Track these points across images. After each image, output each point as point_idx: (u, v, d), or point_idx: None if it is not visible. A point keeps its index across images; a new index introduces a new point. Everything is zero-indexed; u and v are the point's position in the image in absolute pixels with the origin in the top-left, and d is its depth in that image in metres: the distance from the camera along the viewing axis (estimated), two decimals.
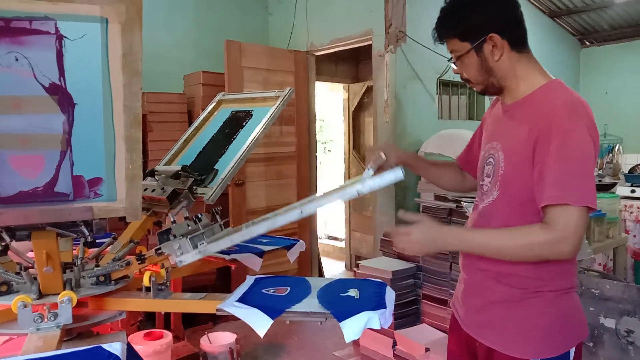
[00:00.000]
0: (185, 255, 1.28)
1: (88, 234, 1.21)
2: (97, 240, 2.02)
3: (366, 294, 1.36)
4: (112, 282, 1.46)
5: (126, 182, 1.14)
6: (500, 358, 1.24)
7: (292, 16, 4.47)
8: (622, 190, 4.11)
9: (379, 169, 1.39)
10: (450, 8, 1.27)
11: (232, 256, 2.01)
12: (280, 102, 2.20)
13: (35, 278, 1.33)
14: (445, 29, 1.28)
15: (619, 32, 5.82)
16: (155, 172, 2.05)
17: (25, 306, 1.17)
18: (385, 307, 1.25)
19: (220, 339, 2.93)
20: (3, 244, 1.21)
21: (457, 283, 1.46)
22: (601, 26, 5.83)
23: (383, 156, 1.40)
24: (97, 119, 1.10)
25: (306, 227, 4.48)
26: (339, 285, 1.45)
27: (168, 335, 2.76)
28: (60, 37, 1.05)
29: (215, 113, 2.51)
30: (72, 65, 1.07)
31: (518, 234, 1.16)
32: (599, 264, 3.52)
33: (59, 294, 1.27)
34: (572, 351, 1.23)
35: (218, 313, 1.27)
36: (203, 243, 1.34)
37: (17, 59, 1.03)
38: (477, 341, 1.31)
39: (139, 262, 1.41)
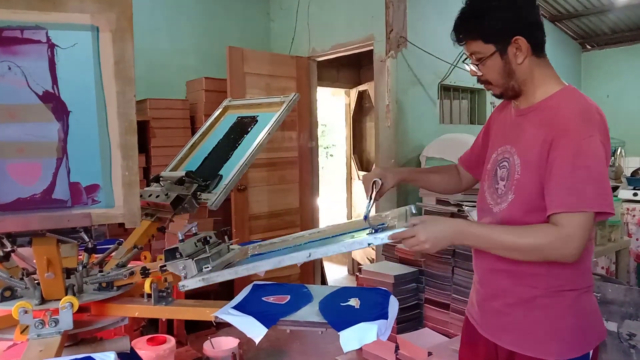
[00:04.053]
0: (189, 280, 1.27)
1: (88, 240, 1.22)
2: (103, 246, 2.04)
3: (367, 304, 1.32)
4: (115, 287, 1.47)
5: (123, 189, 1.15)
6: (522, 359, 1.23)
7: (294, 22, 4.49)
8: (624, 193, 4.10)
9: (378, 195, 1.42)
10: (474, 9, 1.24)
11: None
12: (285, 108, 2.21)
13: (38, 283, 1.34)
14: (468, 30, 1.25)
15: (620, 35, 5.83)
16: (161, 178, 2.06)
17: (25, 312, 1.17)
18: (386, 318, 1.20)
19: (223, 344, 2.94)
20: (5, 250, 1.22)
21: (472, 288, 1.45)
22: (602, 30, 5.84)
23: (380, 182, 1.41)
24: (92, 126, 1.12)
25: None
26: (341, 294, 1.42)
27: (171, 340, 2.77)
28: (52, 46, 1.07)
29: (222, 119, 2.53)
30: (64, 74, 1.09)
31: (527, 233, 1.16)
32: (602, 267, 3.52)
33: (60, 299, 1.28)
34: (591, 352, 1.24)
35: (214, 320, 1.27)
36: (208, 267, 1.34)
37: (10, 68, 1.05)
38: (497, 345, 1.30)
39: (143, 276, 1.42)
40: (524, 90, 1.27)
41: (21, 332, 1.24)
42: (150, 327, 3.14)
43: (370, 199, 1.38)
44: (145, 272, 1.42)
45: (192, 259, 1.35)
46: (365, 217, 1.37)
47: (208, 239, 1.48)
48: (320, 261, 4.81)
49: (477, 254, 1.39)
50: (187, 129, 3.87)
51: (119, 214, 1.16)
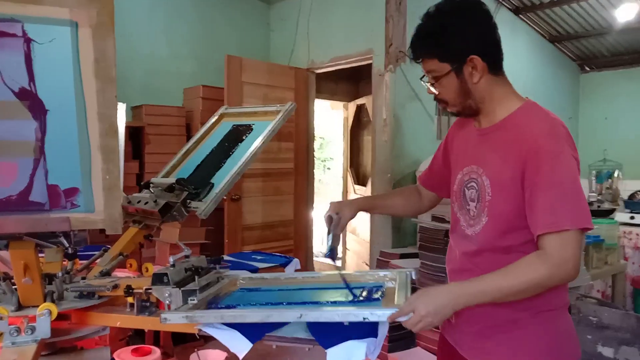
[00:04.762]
0: (172, 314, 1.22)
1: (68, 245, 1.17)
2: (89, 252, 1.99)
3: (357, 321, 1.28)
4: (96, 296, 1.42)
5: (104, 193, 1.10)
6: None
7: (294, 33, 4.49)
8: (621, 216, 4.08)
9: (339, 229, 1.43)
10: (430, 27, 1.23)
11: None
12: (281, 117, 2.18)
13: (16, 289, 1.29)
14: (424, 49, 1.25)
15: (618, 58, 5.86)
16: (151, 185, 2.02)
17: (0, 319, 1.12)
18: (376, 336, 1.17)
19: (210, 357, 2.87)
20: None
21: None
22: (601, 52, 5.87)
23: (335, 217, 1.41)
24: (71, 126, 1.07)
25: (302, 244, 4.44)
26: None
27: (156, 352, 2.70)
28: (28, 41, 1.02)
29: (217, 126, 2.50)
30: (42, 70, 1.04)
31: (521, 272, 1.13)
32: (598, 291, 3.47)
33: (38, 306, 1.23)
34: None
35: (197, 333, 1.23)
36: (194, 300, 1.30)
37: None
38: None
39: (126, 295, 1.37)
40: (482, 109, 1.27)
41: None
42: (136, 337, 3.07)
43: (329, 233, 1.39)
44: (129, 292, 1.37)
45: (180, 289, 1.31)
46: (327, 254, 1.39)
47: (199, 270, 1.44)
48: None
49: (453, 276, 1.37)
50: (183, 137, 3.84)
51: (99, 220, 1.11)
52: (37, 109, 1.04)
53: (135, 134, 3.71)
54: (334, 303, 1.32)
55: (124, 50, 3.83)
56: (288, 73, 4.26)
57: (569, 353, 1.25)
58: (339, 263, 5.82)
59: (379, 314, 1.14)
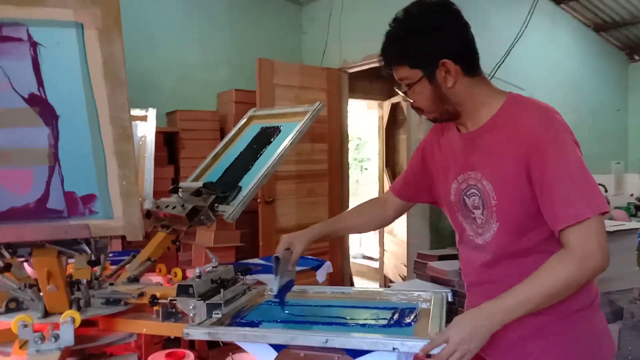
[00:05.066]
0: (194, 329, 1.19)
1: (90, 252, 1.17)
2: (119, 257, 2.00)
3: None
4: (122, 302, 1.41)
5: (121, 199, 1.08)
6: None
7: (326, 34, 4.45)
8: None
9: (291, 265, 1.38)
10: (398, 33, 1.17)
11: (255, 277, 1.96)
12: (309, 117, 2.15)
13: (43, 296, 1.30)
14: (394, 56, 1.19)
15: None
16: (180, 189, 2.02)
17: (25, 326, 1.12)
18: None
19: None
20: (6, 261, 1.18)
21: None
22: None
23: (284, 253, 1.34)
24: (84, 132, 1.05)
25: (338, 246, 4.38)
26: None
27: (190, 356, 2.70)
28: (34, 45, 1.01)
29: (246, 129, 2.49)
30: (50, 75, 1.02)
31: (550, 275, 1.07)
32: None
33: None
34: None
35: (221, 341, 1.21)
36: (218, 314, 1.27)
37: None
38: None
39: (151, 305, 1.36)
40: (462, 112, 1.21)
41: (20, 347, 1.19)
42: (171, 340, 3.09)
43: (277, 275, 1.32)
44: (154, 302, 1.36)
45: (204, 302, 1.28)
46: (276, 295, 1.34)
47: (225, 282, 1.41)
48: (350, 276, 4.69)
49: (473, 290, 1.32)
50: (217, 141, 3.86)
51: (118, 226, 1.10)
52: (48, 115, 1.02)
53: (170, 140, 3.76)
54: (363, 326, 1.26)
55: (157, 57, 3.89)
56: (320, 74, 4.22)
57: (604, 352, 1.20)
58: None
59: (410, 345, 1.07)
